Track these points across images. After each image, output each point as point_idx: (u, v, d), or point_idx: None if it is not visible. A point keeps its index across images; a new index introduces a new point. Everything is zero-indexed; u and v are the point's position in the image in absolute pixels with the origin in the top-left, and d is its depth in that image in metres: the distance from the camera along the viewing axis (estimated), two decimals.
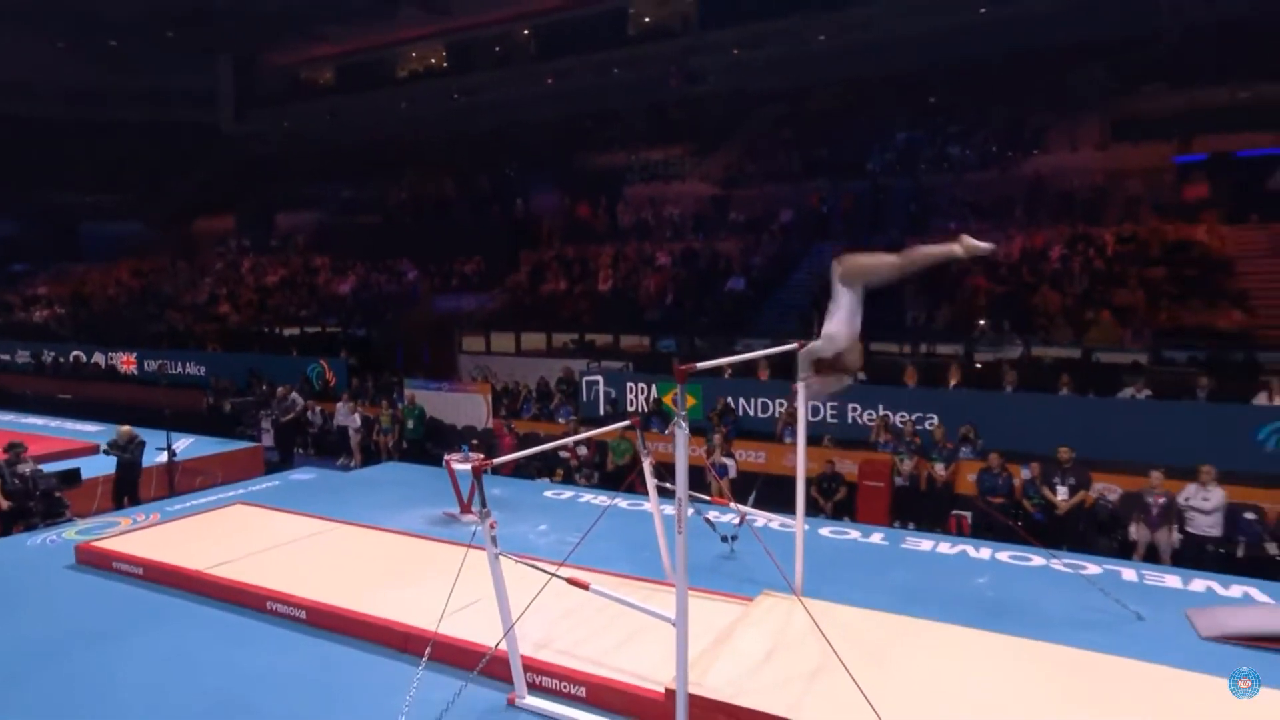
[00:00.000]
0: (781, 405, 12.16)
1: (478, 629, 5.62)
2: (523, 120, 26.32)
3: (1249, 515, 8.40)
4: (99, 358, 20.37)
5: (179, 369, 19.19)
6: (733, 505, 7.62)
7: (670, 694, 4.68)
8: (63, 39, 31.42)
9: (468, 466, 9.31)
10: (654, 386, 13.41)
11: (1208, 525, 8.28)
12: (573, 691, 5.19)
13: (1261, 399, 10.09)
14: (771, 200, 19.58)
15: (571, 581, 4.98)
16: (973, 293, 14.17)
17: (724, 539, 7.74)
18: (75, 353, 21.03)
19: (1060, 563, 7.41)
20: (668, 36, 25.34)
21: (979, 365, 12.42)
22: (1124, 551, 8.78)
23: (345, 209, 26.72)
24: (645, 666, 5.19)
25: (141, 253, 28.82)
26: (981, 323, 13.15)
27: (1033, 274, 14.31)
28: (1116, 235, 14.71)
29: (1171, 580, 7.15)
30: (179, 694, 5.32)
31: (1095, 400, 10.80)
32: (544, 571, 5.06)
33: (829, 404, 11.98)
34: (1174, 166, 16.34)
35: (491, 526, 5.17)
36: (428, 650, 5.00)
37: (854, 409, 11.80)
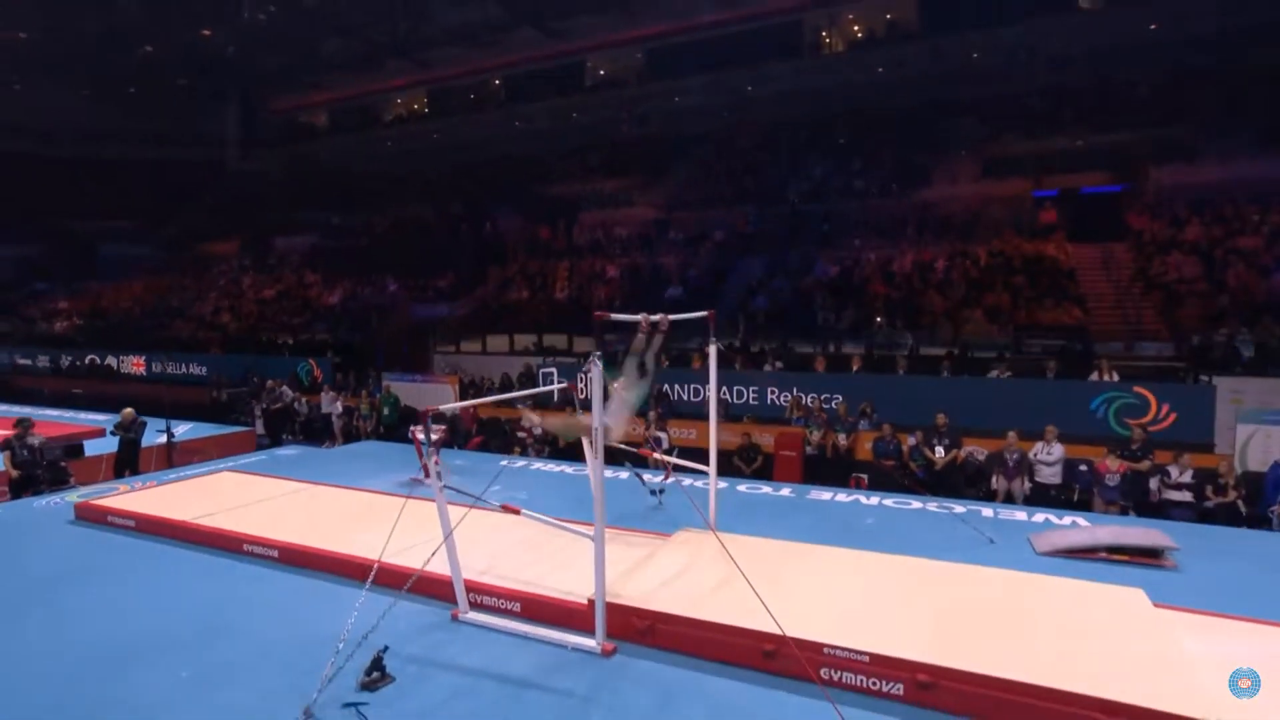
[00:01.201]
0: None
1: (426, 559, 5.59)
2: (492, 156, 26.30)
3: (1082, 468, 8.74)
4: (111, 360, 19.67)
5: (184, 369, 18.64)
6: (657, 456, 7.69)
7: (592, 604, 4.71)
8: (88, 88, 30.61)
9: (433, 436, 9.25)
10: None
11: (1050, 475, 8.60)
12: (509, 607, 5.17)
13: (1094, 378, 10.52)
14: (706, 222, 19.86)
15: (505, 508, 4.99)
16: (873, 297, 14.50)
17: (652, 493, 7.81)
18: (90, 356, 20.28)
19: (934, 505, 7.63)
20: (619, 86, 25.60)
21: (877, 357, 12.70)
22: (987, 499, 9.05)
23: (335, 233, 26.33)
24: (572, 586, 5.20)
25: (154, 272, 27.99)
26: (879, 320, 13.47)
27: (921, 282, 14.73)
28: (988, 251, 15.23)
29: (1019, 515, 7.42)
30: (163, 616, 5.19)
31: (968, 380, 11.15)
32: (480, 500, 5.07)
33: (750, 387, 12.17)
34: (1032, 197, 17.04)
35: (436, 462, 5.16)
36: (372, 572, 4.90)
37: (772, 392, 11.97)
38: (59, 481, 8.97)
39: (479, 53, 26.38)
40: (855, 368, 11.84)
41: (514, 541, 6.16)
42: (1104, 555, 6.05)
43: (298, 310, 21.07)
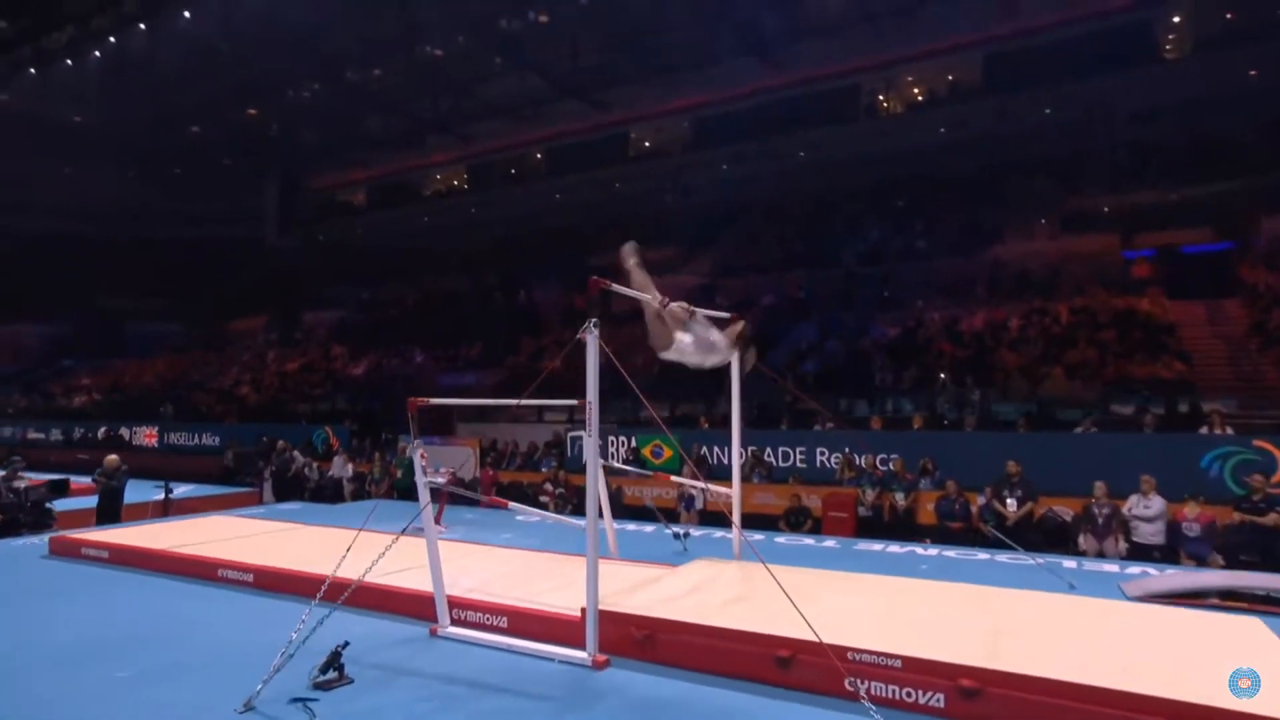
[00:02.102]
0: (751, 451, 12.02)
1: (409, 582, 5.51)
2: (531, 228, 27.47)
3: (1190, 529, 8.09)
4: (124, 431, 20.53)
5: (196, 439, 19.28)
6: (693, 483, 7.49)
7: (585, 615, 4.49)
8: (134, 169, 33.63)
9: (440, 480, 9.28)
10: (634, 439, 13.35)
11: (1151, 533, 7.98)
12: (494, 622, 4.97)
13: (1203, 432, 9.93)
14: (755, 288, 20.06)
15: (493, 501, 4.90)
16: (936, 356, 14.23)
17: (675, 536, 7.57)
18: (103, 428, 21.22)
19: (1004, 557, 7.14)
20: (663, 156, 26.77)
21: (942, 416, 12.30)
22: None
23: (365, 306, 27.52)
24: (566, 603, 4.98)
25: (179, 349, 29.58)
26: (943, 376, 13.13)
27: (993, 340, 14.42)
28: (1069, 308, 14.91)
29: (1109, 567, 6.86)
30: (115, 627, 5.18)
31: (1047, 436, 10.64)
32: (470, 497, 4.98)
33: (798, 447, 11.88)
34: (1119, 250, 16.80)
35: (422, 457, 5.16)
36: (323, 586, 4.68)
37: (821, 453, 11.66)
38: (41, 525, 9.22)
39: (521, 126, 28.15)
40: (916, 426, 11.45)
41: (508, 569, 6.02)
42: (1214, 601, 5.51)
43: (320, 382, 21.81)
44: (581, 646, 4.44)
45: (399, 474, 13.36)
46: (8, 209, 31.68)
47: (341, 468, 13.84)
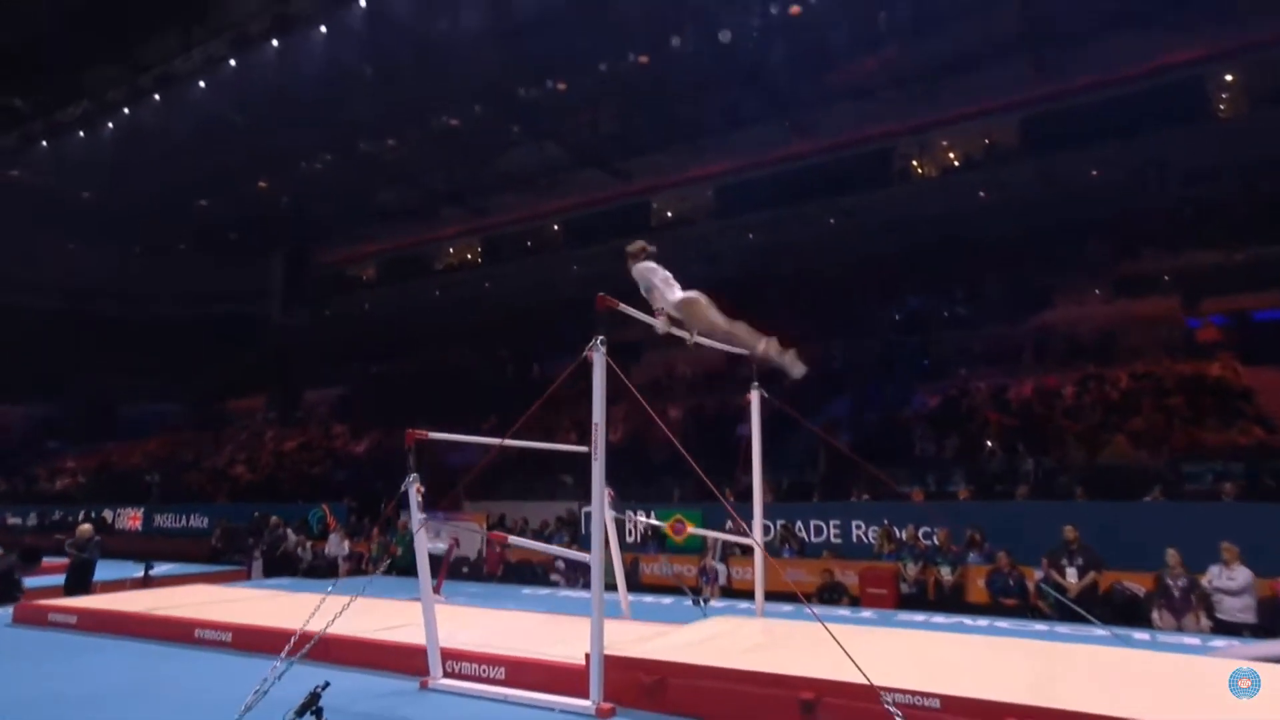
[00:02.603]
0: (781, 524, 11.83)
1: (401, 637, 5.44)
2: (547, 300, 27.95)
3: None
4: (106, 513, 20.66)
5: (184, 521, 19.33)
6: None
7: (589, 660, 4.39)
8: (140, 244, 35.04)
9: (442, 545, 9.26)
10: (653, 514, 13.22)
11: (1239, 609, 7.61)
12: (491, 675, 4.88)
13: None
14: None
15: (493, 536, 4.88)
16: (982, 425, 14.06)
17: (695, 603, 7.44)
18: (83, 511, 21.36)
19: (1066, 628, 6.89)
20: (687, 225, 27.42)
21: (991, 485, 12.06)
22: None
23: (369, 382, 27.90)
24: (568, 655, 4.88)
25: (172, 429, 30.01)
26: (990, 444, 12.93)
27: (1045, 408, 14.25)
28: (1130, 373, 14.75)
29: (1190, 641, 6.56)
30: (88, 685, 5.15)
31: (1110, 505, 10.35)
32: (473, 529, 4.97)
33: (831, 520, 11.67)
34: (1180, 314, 16.71)
35: (419, 491, 5.19)
36: (293, 638, 4.64)
37: (857, 526, 11.44)
38: (7, 597, 9.22)
39: (538, 197, 29.12)
40: (962, 496, 11.23)
41: (509, 627, 5.94)
42: None
43: (319, 460, 21.94)
44: (585, 696, 4.32)
45: (399, 552, 13.23)
46: (9, 287, 33.01)
47: (337, 545, 13.77)
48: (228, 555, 14.66)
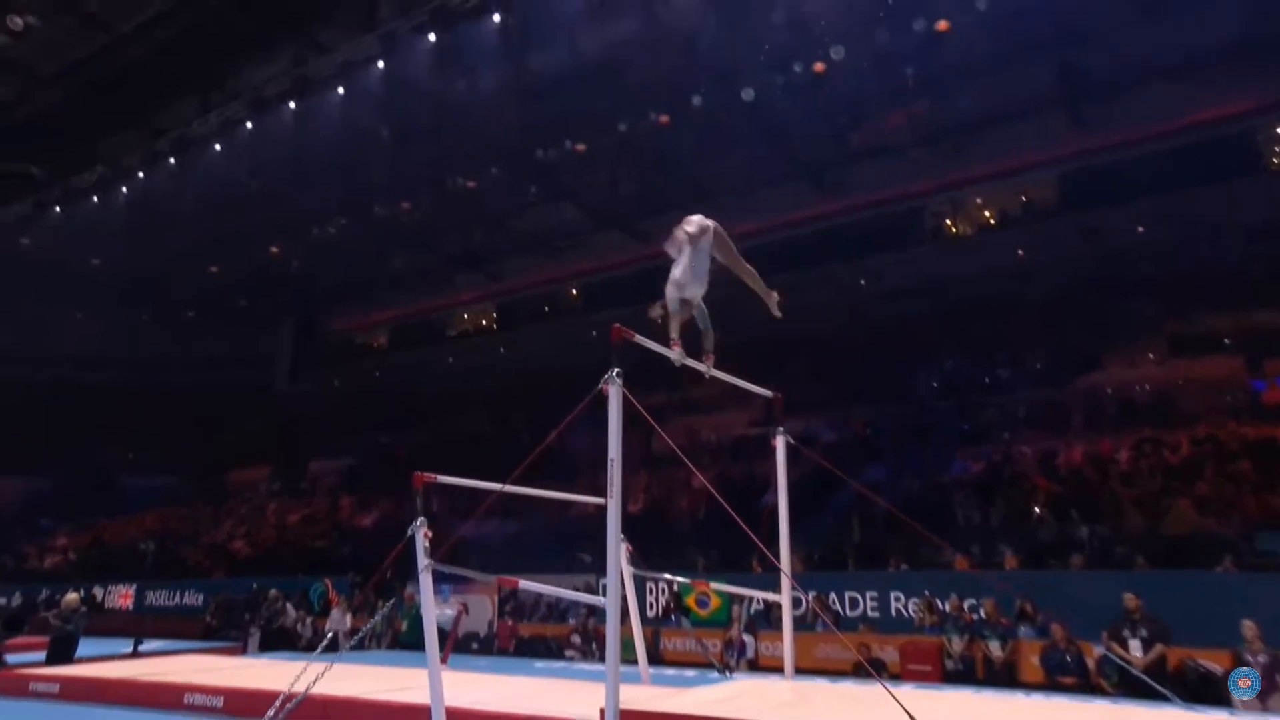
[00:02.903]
0: (814, 596, 11.50)
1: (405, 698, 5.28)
2: (564, 366, 28.05)
3: None
4: (96, 591, 20.52)
5: (177, 599, 19.16)
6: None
7: (603, 715, 4.21)
8: (148, 312, 35.80)
9: (450, 611, 9.11)
10: (676, 585, 12.96)
11: None
12: None
13: None
14: (814, 427, 19.90)
15: (502, 581, 4.75)
16: (1030, 491, 13.75)
17: (720, 671, 7.22)
18: (71, 589, 21.24)
19: (1133, 705, 6.54)
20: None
21: (1041, 555, 11.69)
22: None
23: (378, 452, 27.89)
24: (580, 714, 4.70)
25: (172, 502, 30.08)
26: (1038, 510, 12.60)
27: (1098, 473, 13.94)
28: (1190, 437, 14.44)
29: None
30: None
31: (1175, 573, 9.97)
32: (477, 577, 4.85)
33: (868, 592, 11.34)
34: (1244, 375, 16.43)
35: (426, 536, 5.11)
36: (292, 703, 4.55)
37: (896, 598, 11.10)
38: None
39: (555, 260, 29.56)
40: (1010, 565, 10.89)
41: (519, 691, 5.74)
42: None
43: (324, 533, 21.82)
44: None
45: (404, 627, 13.02)
46: (14, 360, 33.74)
47: (339, 620, 13.54)
48: (223, 632, 14.46)
